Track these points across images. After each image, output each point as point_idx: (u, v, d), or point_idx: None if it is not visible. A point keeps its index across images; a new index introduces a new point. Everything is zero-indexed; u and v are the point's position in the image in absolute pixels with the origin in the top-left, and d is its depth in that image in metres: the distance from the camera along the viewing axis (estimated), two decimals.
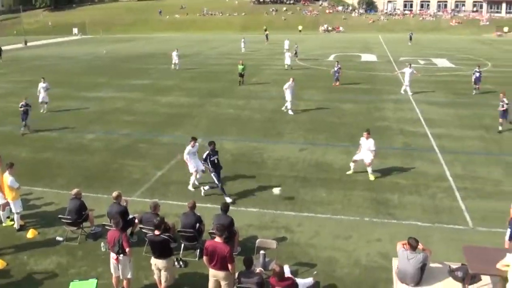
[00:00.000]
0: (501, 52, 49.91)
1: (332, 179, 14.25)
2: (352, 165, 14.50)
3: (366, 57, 44.49)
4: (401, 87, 27.74)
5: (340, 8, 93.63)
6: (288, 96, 22.01)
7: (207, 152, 12.68)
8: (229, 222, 9.62)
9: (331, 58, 43.40)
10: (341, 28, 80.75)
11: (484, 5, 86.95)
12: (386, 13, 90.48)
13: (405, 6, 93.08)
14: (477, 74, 26.81)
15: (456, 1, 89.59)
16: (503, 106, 18.96)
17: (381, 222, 11.65)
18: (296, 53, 41.58)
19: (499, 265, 8.06)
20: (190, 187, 13.50)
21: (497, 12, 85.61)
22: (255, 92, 27.81)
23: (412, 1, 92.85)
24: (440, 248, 10.15)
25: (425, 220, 11.72)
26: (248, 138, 18.46)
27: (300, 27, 79.20)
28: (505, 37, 71.14)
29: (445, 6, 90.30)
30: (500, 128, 18.99)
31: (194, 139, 13.27)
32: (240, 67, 29.71)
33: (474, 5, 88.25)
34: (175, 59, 37.69)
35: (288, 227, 11.36)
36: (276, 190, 12.57)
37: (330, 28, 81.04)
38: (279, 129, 19.77)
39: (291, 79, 22.53)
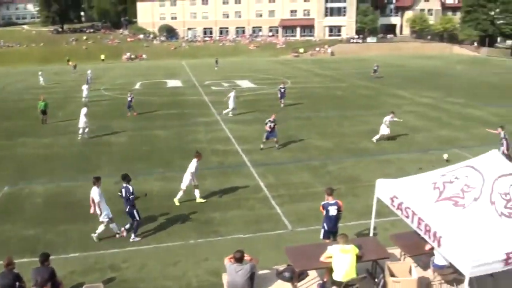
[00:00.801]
0: (298, 70, 56.45)
1: (153, 207, 14.13)
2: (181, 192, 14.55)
3: (172, 83, 45.64)
4: (210, 109, 29.21)
5: (141, 36, 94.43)
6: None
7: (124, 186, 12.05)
8: (50, 273, 8.80)
9: (137, 86, 43.41)
10: (144, 56, 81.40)
11: (280, 30, 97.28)
12: (187, 40, 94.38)
13: (205, 33, 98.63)
14: (282, 90, 30.75)
15: (253, 27, 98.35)
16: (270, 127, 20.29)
17: (206, 241, 12.05)
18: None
19: (322, 258, 9.04)
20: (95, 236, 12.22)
21: (292, 36, 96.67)
22: (63, 127, 26.09)
23: (211, 28, 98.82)
24: (266, 254, 10.95)
25: (248, 231, 12.53)
26: (60, 177, 17.20)
27: (102, 56, 77.41)
28: (301, 57, 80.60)
29: (243, 32, 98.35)
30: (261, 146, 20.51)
31: (97, 178, 12.17)
32: (41, 103, 27.27)
33: (270, 30, 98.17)
34: None
35: (114, 265, 10.95)
36: None
37: (133, 56, 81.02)
38: (93, 163, 18.92)
39: None
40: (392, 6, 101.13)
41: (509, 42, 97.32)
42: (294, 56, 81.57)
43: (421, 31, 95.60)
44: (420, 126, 25.04)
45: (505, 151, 17.56)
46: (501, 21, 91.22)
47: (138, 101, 33.03)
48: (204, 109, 30.35)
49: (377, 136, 21.97)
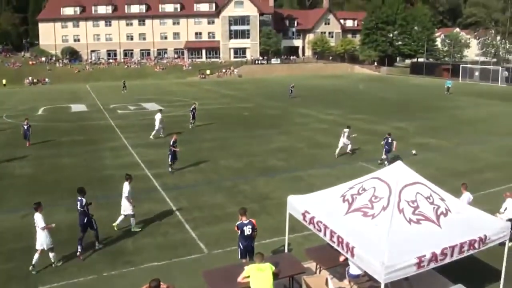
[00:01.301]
0: (206, 92, 56.67)
1: (63, 240, 13.20)
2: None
3: (77, 107, 43.71)
4: (116, 134, 28.32)
5: (43, 58, 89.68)
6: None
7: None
8: None
9: (40, 111, 40.99)
10: (47, 80, 77.36)
11: (185, 52, 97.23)
12: (91, 62, 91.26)
13: (109, 55, 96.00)
14: (194, 111, 31.30)
15: (158, 49, 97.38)
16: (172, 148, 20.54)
17: (120, 273, 11.48)
18: None
19: (240, 278, 8.99)
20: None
21: (198, 58, 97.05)
22: None
23: (115, 50, 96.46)
24: (183, 281, 10.71)
25: (162, 258, 12.16)
26: None
27: (4, 81, 72.56)
28: (208, 79, 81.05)
29: (148, 54, 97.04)
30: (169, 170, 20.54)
31: (38, 204, 11.71)
32: None
33: (176, 52, 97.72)
34: None
35: None
36: None
37: (35, 80, 76.67)
38: None
39: None
40: (294, 29, 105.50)
41: (408, 61, 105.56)
42: (201, 78, 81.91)
43: (323, 52, 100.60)
44: (326, 142, 26.08)
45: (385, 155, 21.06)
46: (400, 42, 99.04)
47: (42, 127, 31.25)
48: (110, 134, 29.33)
49: (337, 150, 22.85)
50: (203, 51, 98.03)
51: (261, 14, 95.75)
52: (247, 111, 38.75)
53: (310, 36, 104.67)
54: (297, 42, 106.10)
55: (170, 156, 20.27)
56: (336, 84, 64.87)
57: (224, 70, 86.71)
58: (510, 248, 9.97)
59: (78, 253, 12.30)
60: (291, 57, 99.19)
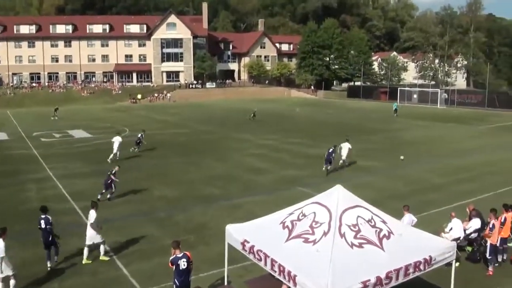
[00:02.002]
0: (137, 117, 55.70)
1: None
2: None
3: None
4: (40, 164, 27.13)
5: None
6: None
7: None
8: None
9: None
10: None
11: (115, 75, 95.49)
12: (12, 86, 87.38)
13: (32, 78, 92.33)
14: (140, 136, 32.10)
15: (85, 73, 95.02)
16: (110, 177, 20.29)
17: None
18: None
19: None
20: None
21: (128, 82, 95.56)
22: None
23: (39, 73, 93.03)
24: None
25: None
26: None
27: None
28: (139, 103, 79.83)
29: (75, 77, 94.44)
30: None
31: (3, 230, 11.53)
32: None
33: (105, 76, 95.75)
34: None
35: None
36: None
37: None
38: None
39: None
40: (229, 53, 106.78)
41: (345, 85, 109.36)
42: (132, 103, 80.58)
43: (259, 76, 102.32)
44: (263, 168, 26.25)
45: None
46: (336, 66, 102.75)
47: None
48: (34, 164, 27.92)
49: (341, 162, 26.06)
50: (134, 75, 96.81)
51: (194, 36, 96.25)
52: (183, 136, 38.41)
53: (245, 60, 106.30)
54: (233, 66, 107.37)
55: (105, 185, 19.97)
56: (273, 108, 65.94)
57: (156, 95, 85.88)
58: (457, 269, 10.31)
59: (49, 268, 13.02)
60: (227, 81, 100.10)
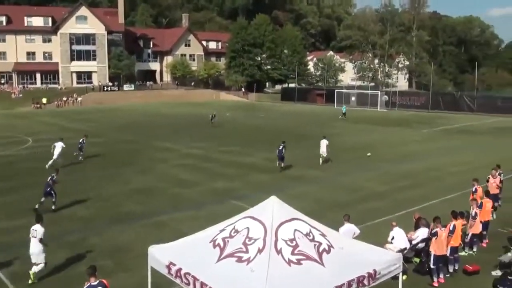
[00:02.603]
0: (43, 125, 53.70)
1: None
2: None
3: None
4: None
5: None
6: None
7: None
8: None
9: None
10: None
11: (14, 76, 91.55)
12: None
13: None
14: (81, 141, 32.22)
15: None
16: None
17: None
18: None
19: None
20: None
21: (31, 83, 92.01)
22: None
23: None
24: None
25: None
26: None
27: None
28: (44, 109, 76.94)
29: None
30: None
31: None
32: None
33: (3, 77, 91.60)
34: None
35: None
36: None
37: None
38: None
39: None
40: (149, 51, 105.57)
41: (278, 86, 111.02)
42: (36, 108, 77.51)
43: (184, 77, 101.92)
44: (191, 180, 26.09)
45: None
46: (269, 67, 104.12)
47: None
48: None
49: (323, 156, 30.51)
50: (38, 75, 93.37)
51: (109, 32, 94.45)
52: (97, 146, 37.42)
53: (168, 59, 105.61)
54: (154, 66, 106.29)
55: (44, 193, 20.48)
56: (201, 113, 65.86)
57: (65, 99, 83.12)
58: (404, 282, 10.64)
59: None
60: (147, 82, 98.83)
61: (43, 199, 20.38)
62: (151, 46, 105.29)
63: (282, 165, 28.52)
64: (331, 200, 22.11)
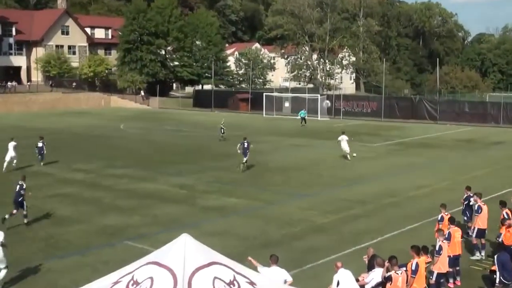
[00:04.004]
0: None
1: None
2: None
3: None
4: None
5: None
6: None
7: None
8: None
9: None
10: None
11: None
12: None
13: None
14: (40, 145, 37.55)
15: None
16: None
17: None
18: None
19: None
20: None
21: None
22: None
23: None
24: None
25: None
26: None
27: None
28: None
29: None
30: None
31: None
32: None
33: None
34: None
35: None
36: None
37: None
38: None
39: None
40: (11, 41, 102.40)
41: (189, 89, 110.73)
42: None
43: (60, 77, 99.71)
44: (72, 216, 25.52)
45: None
46: (176, 63, 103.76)
47: None
48: None
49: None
50: None
51: None
52: None
53: (39, 52, 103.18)
54: (18, 61, 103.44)
55: (15, 203, 23.16)
56: (86, 124, 64.75)
57: None
58: None
59: None
60: (9, 83, 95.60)
61: (14, 211, 22.86)
62: (14, 33, 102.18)
63: (245, 160, 35.22)
64: (260, 236, 22.22)
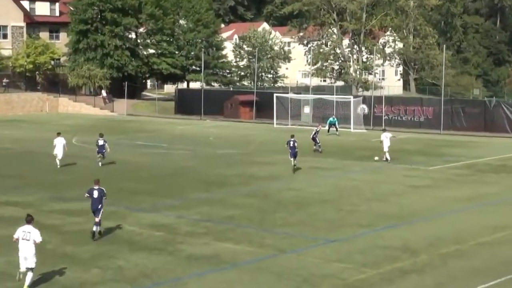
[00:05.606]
0: None
1: None
2: None
3: None
4: None
5: None
6: None
7: None
8: None
9: None
10: None
11: None
12: None
13: None
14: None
15: None
16: None
17: None
18: None
19: None
20: None
21: None
22: None
23: None
24: None
25: None
26: None
27: None
28: None
29: None
30: None
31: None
32: None
33: None
34: None
35: None
36: None
37: None
38: None
39: None
40: None
41: (170, 87, 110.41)
42: None
43: None
44: (3, 269, 25.41)
45: None
46: (151, 51, 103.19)
47: None
48: None
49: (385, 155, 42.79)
50: None
51: None
52: None
53: None
54: None
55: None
56: (19, 139, 64.94)
57: None
58: None
59: None
60: None
61: None
62: None
63: (294, 163, 44.73)
64: None
